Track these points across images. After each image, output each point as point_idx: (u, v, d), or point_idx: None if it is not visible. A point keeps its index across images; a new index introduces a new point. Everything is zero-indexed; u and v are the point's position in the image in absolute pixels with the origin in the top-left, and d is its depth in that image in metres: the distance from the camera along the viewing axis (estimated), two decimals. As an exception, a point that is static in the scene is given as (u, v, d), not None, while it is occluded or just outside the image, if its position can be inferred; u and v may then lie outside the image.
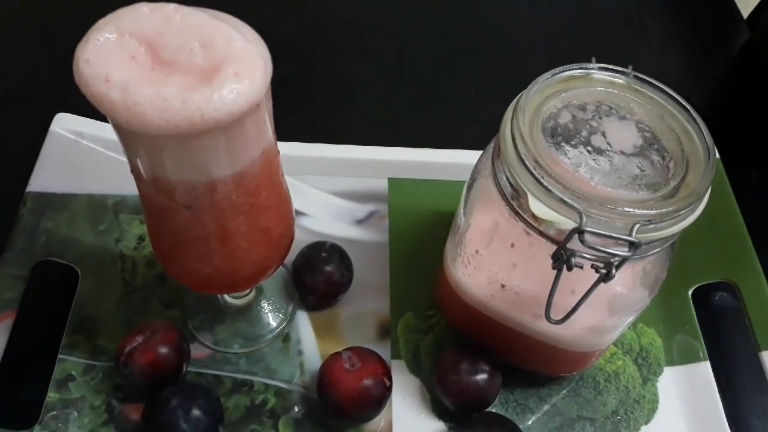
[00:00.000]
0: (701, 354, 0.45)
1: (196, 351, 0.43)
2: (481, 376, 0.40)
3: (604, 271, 0.30)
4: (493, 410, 0.42)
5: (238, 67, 0.26)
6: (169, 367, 0.39)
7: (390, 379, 0.40)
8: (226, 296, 0.44)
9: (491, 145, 0.35)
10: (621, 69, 0.35)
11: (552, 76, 0.34)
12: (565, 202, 0.29)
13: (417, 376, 0.43)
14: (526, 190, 0.31)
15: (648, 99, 0.34)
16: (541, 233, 0.32)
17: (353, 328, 0.45)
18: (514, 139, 0.31)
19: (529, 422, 0.42)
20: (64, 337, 0.42)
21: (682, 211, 0.30)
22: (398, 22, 0.67)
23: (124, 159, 0.30)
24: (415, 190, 0.51)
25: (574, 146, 0.32)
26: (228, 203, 0.31)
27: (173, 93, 0.25)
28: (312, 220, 0.49)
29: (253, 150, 0.30)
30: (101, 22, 0.26)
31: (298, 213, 0.49)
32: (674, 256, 0.35)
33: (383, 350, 0.43)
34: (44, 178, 0.48)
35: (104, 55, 0.25)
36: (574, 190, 0.29)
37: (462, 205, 0.38)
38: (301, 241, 0.44)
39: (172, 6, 0.27)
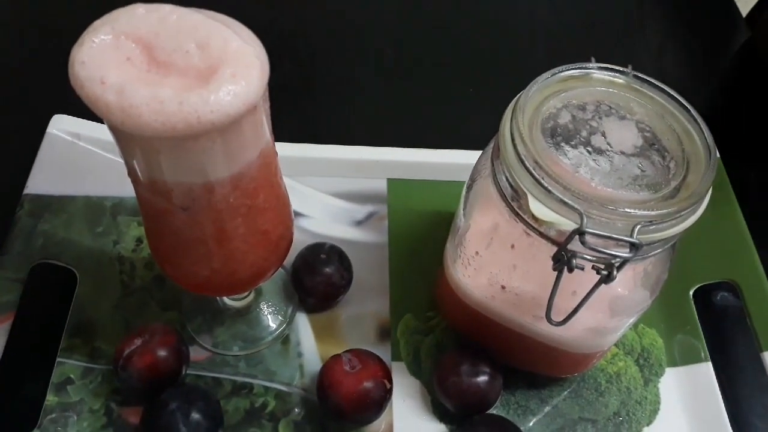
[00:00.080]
0: (703, 354, 0.45)
1: (195, 353, 0.43)
2: (482, 378, 0.40)
3: (605, 272, 0.30)
4: (494, 412, 0.42)
5: (235, 68, 0.26)
6: (168, 370, 0.39)
7: (390, 381, 0.40)
8: (225, 298, 0.44)
9: (491, 145, 0.35)
10: (621, 68, 0.34)
11: (551, 75, 0.33)
12: (565, 203, 0.29)
13: (417, 377, 0.43)
14: (526, 191, 0.31)
15: (648, 99, 0.34)
16: (541, 234, 0.32)
17: (353, 329, 0.45)
18: (513, 140, 0.31)
19: (531, 424, 0.42)
20: (63, 340, 0.42)
21: (684, 212, 0.30)
22: (397, 22, 0.66)
23: (122, 160, 0.30)
24: (414, 191, 0.51)
25: (574, 146, 0.32)
26: (226, 205, 0.31)
27: (169, 95, 0.25)
28: (311, 221, 0.49)
29: (251, 151, 0.30)
30: (97, 23, 0.26)
31: (297, 214, 0.49)
32: (675, 256, 0.35)
33: (383, 352, 0.43)
34: (41, 180, 0.48)
35: (99, 56, 0.25)
36: (575, 191, 0.29)
37: (461, 205, 0.38)
38: (300, 242, 0.44)
39: (168, 7, 0.27)
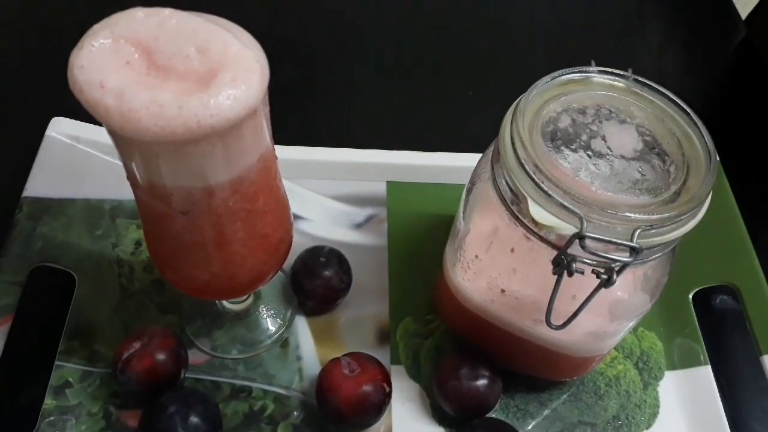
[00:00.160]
0: (702, 358, 0.45)
1: (194, 357, 0.43)
2: (482, 382, 0.40)
3: (605, 276, 0.30)
4: (494, 415, 0.42)
5: (235, 72, 0.26)
6: (166, 374, 0.39)
7: (389, 384, 0.40)
8: (224, 301, 0.44)
9: (490, 148, 0.35)
10: (621, 72, 0.34)
11: (551, 79, 0.33)
12: (565, 207, 0.29)
13: (417, 381, 0.43)
14: (525, 195, 0.31)
15: (648, 102, 0.34)
16: (541, 238, 0.32)
17: (352, 333, 0.45)
18: (513, 143, 0.31)
19: (530, 427, 0.42)
20: (61, 344, 0.42)
21: (684, 216, 0.29)
22: (396, 25, 0.66)
23: (121, 163, 0.30)
24: (413, 194, 0.51)
25: (574, 150, 0.32)
26: (225, 209, 0.31)
27: (169, 99, 0.24)
28: (310, 224, 0.49)
29: (251, 155, 0.29)
30: (96, 27, 0.26)
31: (297, 217, 0.49)
32: (675, 260, 0.35)
33: (382, 355, 0.43)
34: (40, 183, 0.48)
35: (99, 60, 0.25)
36: (575, 195, 0.29)
37: (461, 209, 0.38)
38: (299, 245, 0.44)
39: (167, 11, 0.27)
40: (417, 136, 0.56)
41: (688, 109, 0.33)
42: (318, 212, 0.50)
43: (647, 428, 0.43)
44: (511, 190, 0.32)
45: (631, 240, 0.28)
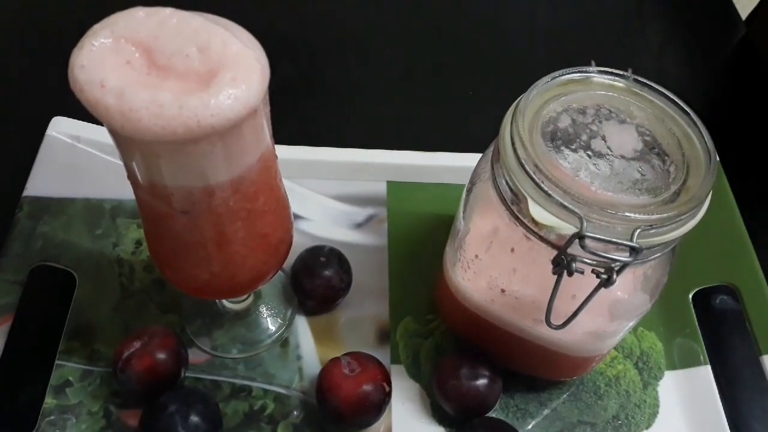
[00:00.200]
0: (702, 358, 0.45)
1: (194, 356, 0.43)
2: (482, 381, 0.40)
3: (604, 276, 0.30)
4: (494, 415, 0.42)
5: (236, 71, 0.26)
6: (167, 373, 0.39)
7: (389, 384, 0.40)
8: (224, 301, 0.44)
9: (490, 148, 0.35)
10: (621, 72, 0.34)
11: (551, 79, 0.33)
12: (565, 207, 0.29)
13: (417, 381, 0.43)
14: (525, 195, 0.31)
15: (648, 102, 0.34)
16: (541, 238, 0.32)
17: (352, 332, 0.45)
18: (513, 143, 0.31)
19: (530, 427, 0.42)
20: (62, 343, 0.42)
21: (683, 216, 0.30)
22: (396, 25, 0.66)
23: (121, 163, 0.30)
24: (414, 194, 0.51)
25: (574, 150, 0.32)
26: (226, 209, 0.31)
27: (169, 98, 0.24)
28: (311, 224, 0.49)
29: (251, 155, 0.29)
30: (96, 26, 0.26)
31: (297, 217, 0.49)
32: (675, 260, 0.35)
33: (383, 355, 0.43)
34: (41, 183, 0.48)
35: (99, 60, 0.25)
36: (575, 195, 0.29)
37: (461, 209, 0.38)
38: (299, 245, 0.44)
39: (168, 10, 0.27)
40: (417, 136, 0.56)
41: (688, 109, 0.33)
42: (318, 212, 0.50)
43: (647, 428, 0.43)
44: (511, 189, 0.32)
45: (631, 240, 0.29)
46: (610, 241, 0.29)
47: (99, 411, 0.40)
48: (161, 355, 0.39)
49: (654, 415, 0.43)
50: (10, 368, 0.41)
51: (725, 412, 0.43)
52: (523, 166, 0.30)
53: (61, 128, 0.50)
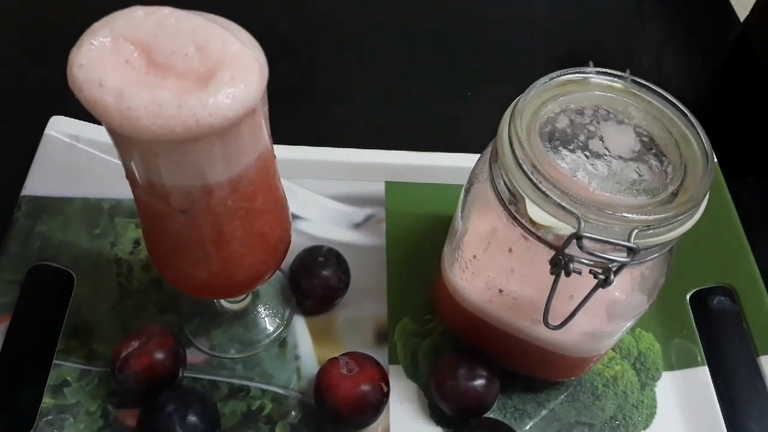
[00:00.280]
0: (699, 358, 0.45)
1: (192, 356, 0.43)
2: (479, 382, 0.40)
3: (602, 276, 0.30)
4: (491, 416, 0.42)
5: (234, 71, 0.26)
6: (164, 373, 0.39)
7: (387, 384, 0.40)
8: (222, 301, 0.44)
9: (489, 149, 0.35)
10: (619, 73, 0.35)
11: (549, 80, 0.34)
12: (563, 207, 0.29)
13: (415, 381, 0.43)
14: (523, 195, 0.31)
15: (646, 103, 0.34)
16: (539, 238, 0.32)
17: (350, 332, 0.45)
18: (511, 144, 0.31)
19: (527, 427, 0.42)
20: (60, 342, 0.42)
21: (681, 217, 0.30)
22: (395, 25, 0.66)
23: (120, 162, 0.30)
24: (412, 194, 0.51)
25: (572, 151, 0.32)
26: (224, 208, 0.31)
27: (168, 98, 0.24)
28: (309, 223, 0.49)
29: (249, 154, 0.29)
30: (95, 25, 0.26)
31: (295, 217, 0.49)
32: (672, 261, 0.35)
33: (380, 355, 0.43)
34: (39, 182, 0.48)
35: (98, 59, 0.25)
36: (572, 195, 0.29)
37: (459, 209, 0.38)
38: (298, 245, 0.44)
39: (167, 9, 0.27)
40: (416, 137, 0.56)
41: (686, 111, 0.33)
42: (316, 212, 0.50)
43: (644, 428, 0.43)
44: (509, 190, 0.32)
45: (629, 240, 0.29)
46: (607, 242, 0.29)
47: (97, 411, 0.40)
48: (159, 355, 0.39)
49: (651, 415, 0.43)
50: (8, 368, 0.41)
51: (722, 413, 0.43)
52: (521, 166, 0.30)
53: (59, 127, 0.50)
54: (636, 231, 0.29)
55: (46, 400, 0.40)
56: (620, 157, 0.32)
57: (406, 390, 0.43)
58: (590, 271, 0.30)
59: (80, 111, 0.26)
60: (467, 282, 0.39)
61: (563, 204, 0.29)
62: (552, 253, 0.31)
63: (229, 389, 0.42)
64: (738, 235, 0.50)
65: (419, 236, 0.49)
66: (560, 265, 0.30)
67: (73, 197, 0.48)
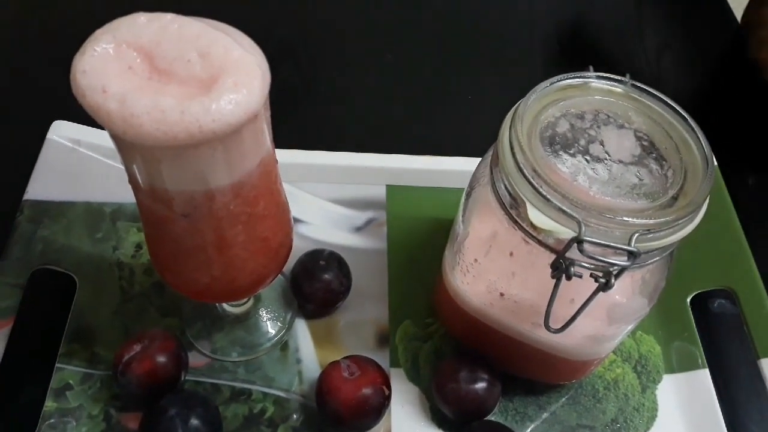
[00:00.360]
0: (700, 361, 0.45)
1: (194, 359, 0.43)
2: (481, 385, 0.40)
3: (603, 280, 0.30)
4: (493, 419, 0.42)
5: (237, 77, 0.26)
6: (167, 376, 0.39)
7: (389, 387, 0.40)
8: (224, 304, 0.44)
9: (489, 153, 0.35)
10: (619, 78, 0.35)
11: (550, 84, 0.34)
12: (563, 212, 0.29)
13: (416, 384, 0.43)
14: (524, 199, 0.31)
15: (646, 107, 0.34)
16: (539, 242, 0.32)
17: (352, 336, 0.45)
18: (512, 148, 0.31)
19: (529, 430, 0.42)
20: (62, 346, 0.42)
21: (681, 221, 0.30)
22: (395, 29, 0.67)
23: (122, 167, 0.30)
24: (413, 198, 0.51)
25: (573, 155, 0.32)
26: (226, 213, 0.31)
27: (171, 104, 0.25)
28: (310, 227, 0.49)
29: (252, 159, 0.30)
30: (98, 32, 0.26)
31: (297, 220, 0.49)
32: (673, 264, 0.35)
33: (382, 358, 0.43)
34: (41, 186, 0.48)
35: (101, 65, 0.25)
36: (573, 200, 0.29)
37: (460, 213, 0.38)
38: (299, 248, 0.44)
39: (169, 16, 0.27)
40: (416, 140, 0.56)
41: (686, 115, 0.33)
42: (318, 216, 0.50)
43: (645, 431, 0.43)
44: (509, 194, 0.32)
45: (629, 244, 0.29)
46: (608, 246, 0.29)
47: (99, 414, 0.40)
48: (161, 359, 0.39)
49: (652, 418, 0.43)
50: (10, 371, 0.41)
51: (723, 416, 0.43)
52: (521, 170, 0.30)
53: (61, 132, 0.50)
54: (636, 235, 0.29)
55: (49, 404, 0.40)
56: (621, 162, 0.32)
57: (407, 393, 0.43)
58: (591, 275, 0.30)
59: (82, 115, 0.26)
60: (468, 285, 0.39)
61: (564, 208, 0.29)
62: (553, 256, 0.31)
63: (231, 392, 0.42)
64: (738, 238, 0.50)
65: (420, 240, 0.49)
66: (561, 268, 0.30)
67: (75, 201, 0.48)
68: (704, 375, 0.44)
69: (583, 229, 0.29)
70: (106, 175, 0.49)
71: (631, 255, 0.29)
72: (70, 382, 0.41)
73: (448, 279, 0.41)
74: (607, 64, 0.64)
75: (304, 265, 0.45)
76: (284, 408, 0.42)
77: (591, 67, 0.35)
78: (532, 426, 0.42)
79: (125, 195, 0.34)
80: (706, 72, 0.67)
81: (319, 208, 0.50)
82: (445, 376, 0.41)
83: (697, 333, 0.46)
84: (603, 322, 0.36)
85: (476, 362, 0.41)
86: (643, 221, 0.29)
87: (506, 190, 0.32)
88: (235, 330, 0.44)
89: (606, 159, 0.33)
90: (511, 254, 0.35)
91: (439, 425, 0.42)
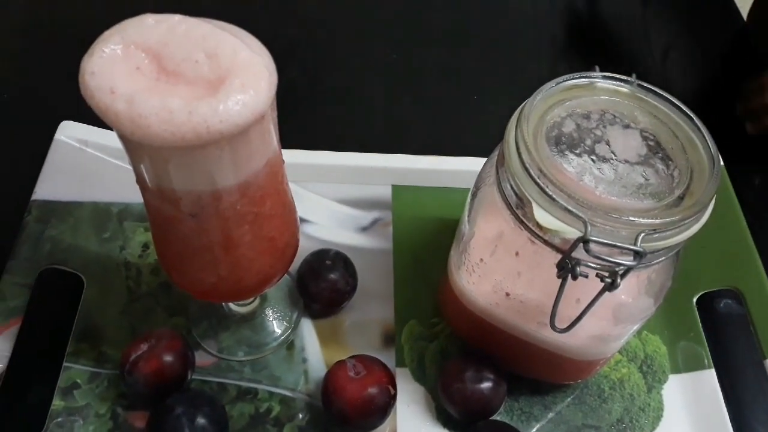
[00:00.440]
0: (706, 361, 0.45)
1: (201, 359, 0.43)
2: (486, 384, 0.40)
3: (609, 280, 0.30)
4: (498, 418, 0.42)
5: (244, 78, 0.26)
6: (173, 375, 0.39)
7: (395, 387, 0.40)
8: (230, 304, 0.44)
9: (495, 153, 0.35)
10: (624, 77, 0.35)
11: (556, 84, 0.34)
12: (569, 211, 0.29)
13: (422, 384, 0.43)
14: (530, 199, 0.31)
15: (652, 107, 0.34)
16: (545, 242, 0.32)
17: (357, 335, 0.45)
18: (518, 148, 0.31)
19: (534, 430, 0.42)
20: (69, 345, 0.43)
21: (687, 220, 0.30)
22: (401, 30, 0.67)
23: (129, 167, 0.31)
24: (419, 198, 0.51)
25: (579, 155, 0.32)
26: (233, 213, 0.31)
27: (179, 105, 0.25)
28: (316, 227, 0.49)
29: (258, 160, 0.30)
30: (106, 33, 0.26)
31: (303, 220, 0.49)
32: (679, 264, 0.35)
33: (388, 358, 0.43)
34: (49, 186, 0.49)
35: (109, 66, 0.25)
36: (579, 199, 0.29)
37: (466, 213, 0.38)
38: (305, 248, 0.44)
39: (177, 17, 0.27)
40: (422, 140, 0.56)
41: (692, 114, 0.33)
42: (324, 216, 0.50)
43: (651, 431, 0.43)
44: (515, 194, 0.32)
45: (635, 244, 0.29)
46: (614, 245, 0.29)
47: (106, 413, 0.41)
48: (168, 358, 0.39)
49: (658, 418, 0.43)
50: (18, 370, 0.41)
51: (729, 416, 0.43)
52: (527, 170, 0.30)
53: (69, 132, 0.51)
54: (642, 235, 0.29)
55: (57, 402, 0.40)
56: (627, 161, 0.33)
57: (413, 393, 0.43)
58: (597, 275, 0.30)
59: (90, 116, 0.26)
60: (474, 285, 0.39)
61: (570, 208, 0.29)
62: (559, 256, 0.31)
63: (237, 392, 0.42)
64: (744, 238, 0.50)
65: (426, 240, 0.49)
66: (567, 268, 0.30)
67: (82, 201, 0.48)
68: (710, 375, 0.44)
69: (589, 228, 0.29)
70: (114, 176, 0.49)
71: (637, 255, 0.29)
72: (78, 381, 0.41)
73: (453, 279, 0.41)
74: (613, 64, 0.64)
75: (310, 264, 0.45)
76: (290, 407, 0.42)
77: (597, 67, 0.35)
78: (538, 426, 0.42)
79: (132, 195, 0.34)
80: (712, 71, 0.67)
81: (325, 208, 0.50)
82: (450, 376, 0.41)
83: (703, 333, 0.46)
84: (609, 322, 0.36)
85: (482, 362, 0.41)
86: (649, 221, 0.29)
87: (512, 190, 0.32)
88: (242, 329, 0.45)
89: (612, 159, 0.33)
90: (517, 254, 0.35)
91: (445, 425, 0.42)
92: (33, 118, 0.55)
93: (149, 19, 0.27)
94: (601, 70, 0.35)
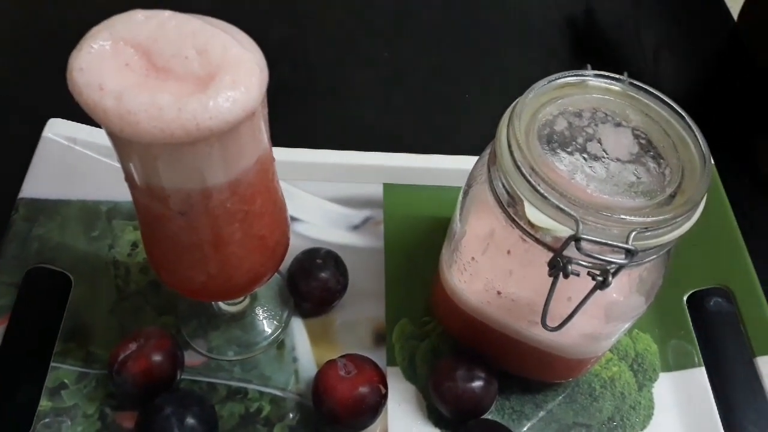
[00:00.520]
0: (696, 359, 0.45)
1: (190, 358, 0.43)
2: (477, 383, 0.40)
3: (600, 278, 0.30)
4: (489, 417, 0.42)
5: (234, 74, 0.26)
6: (162, 375, 0.39)
7: (385, 386, 0.40)
8: (220, 303, 0.44)
9: (487, 151, 0.35)
10: (616, 76, 0.35)
11: (548, 83, 0.34)
12: (561, 210, 0.29)
13: (413, 383, 0.43)
14: (522, 197, 0.31)
15: (644, 106, 0.34)
16: (537, 240, 0.32)
17: (348, 334, 0.45)
18: (510, 146, 0.31)
19: (525, 429, 0.42)
20: (57, 345, 0.42)
21: (679, 219, 0.30)
22: (392, 28, 0.67)
23: (118, 165, 0.30)
24: (410, 196, 0.51)
25: (570, 153, 0.32)
26: (223, 210, 0.31)
27: (168, 101, 0.24)
28: (307, 226, 0.49)
29: (249, 157, 0.30)
30: (95, 29, 0.26)
31: (293, 219, 0.49)
32: (670, 262, 0.35)
33: (379, 357, 0.43)
34: (37, 184, 0.48)
35: (98, 62, 0.25)
36: (571, 198, 0.29)
37: (458, 211, 0.38)
38: (296, 247, 0.44)
39: (167, 13, 0.27)
40: (414, 139, 0.56)
41: (683, 113, 0.33)
42: (315, 214, 0.50)
43: (642, 429, 0.43)
44: (507, 192, 0.32)
45: (627, 242, 0.29)
46: (605, 244, 0.29)
47: (94, 413, 0.40)
48: (157, 357, 0.39)
49: (649, 416, 0.43)
50: (5, 370, 0.41)
51: (719, 414, 0.43)
52: (519, 168, 0.30)
53: (57, 130, 0.50)
54: (634, 233, 0.29)
55: (44, 403, 0.40)
56: (618, 160, 0.33)
57: (404, 392, 0.43)
58: (588, 273, 0.30)
59: (79, 113, 0.26)
60: (465, 284, 0.39)
61: (561, 206, 0.29)
62: (550, 255, 0.31)
63: (227, 391, 0.42)
64: (735, 237, 0.50)
65: (417, 238, 0.49)
66: (558, 267, 0.30)
67: (70, 200, 0.48)
68: (700, 373, 0.45)
69: (581, 227, 0.29)
70: (102, 173, 0.49)
71: (629, 253, 0.29)
72: (66, 381, 0.41)
73: (445, 277, 0.41)
74: (605, 62, 0.64)
75: (301, 263, 0.45)
76: (280, 407, 0.42)
77: (589, 66, 0.35)
78: (529, 424, 0.42)
79: (121, 193, 0.34)
80: (703, 70, 0.67)
81: (316, 207, 0.50)
82: (441, 375, 0.41)
83: (693, 331, 0.46)
84: (600, 320, 0.36)
85: (473, 361, 0.41)
86: (641, 219, 0.29)
87: (504, 188, 0.32)
88: (232, 329, 0.44)
89: (604, 157, 0.33)
90: (509, 252, 0.35)
91: (436, 424, 0.42)
92: (21, 115, 0.55)
93: (139, 15, 0.27)
94: (593, 69, 0.35)
